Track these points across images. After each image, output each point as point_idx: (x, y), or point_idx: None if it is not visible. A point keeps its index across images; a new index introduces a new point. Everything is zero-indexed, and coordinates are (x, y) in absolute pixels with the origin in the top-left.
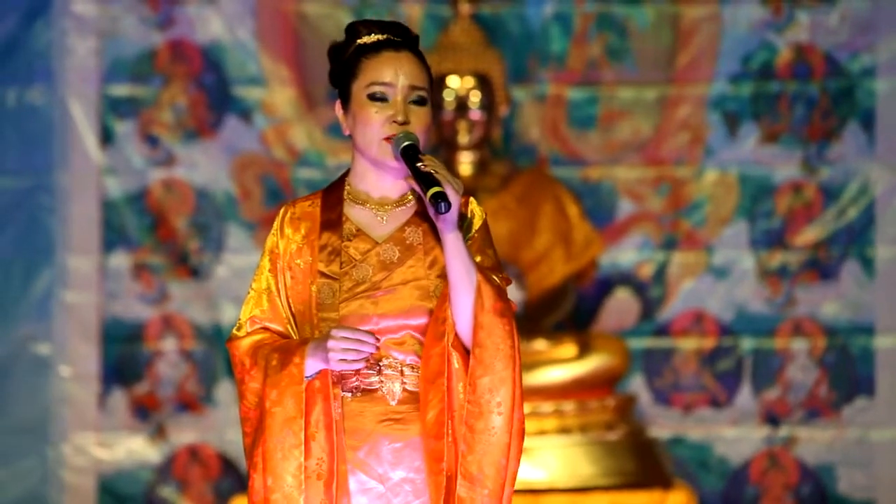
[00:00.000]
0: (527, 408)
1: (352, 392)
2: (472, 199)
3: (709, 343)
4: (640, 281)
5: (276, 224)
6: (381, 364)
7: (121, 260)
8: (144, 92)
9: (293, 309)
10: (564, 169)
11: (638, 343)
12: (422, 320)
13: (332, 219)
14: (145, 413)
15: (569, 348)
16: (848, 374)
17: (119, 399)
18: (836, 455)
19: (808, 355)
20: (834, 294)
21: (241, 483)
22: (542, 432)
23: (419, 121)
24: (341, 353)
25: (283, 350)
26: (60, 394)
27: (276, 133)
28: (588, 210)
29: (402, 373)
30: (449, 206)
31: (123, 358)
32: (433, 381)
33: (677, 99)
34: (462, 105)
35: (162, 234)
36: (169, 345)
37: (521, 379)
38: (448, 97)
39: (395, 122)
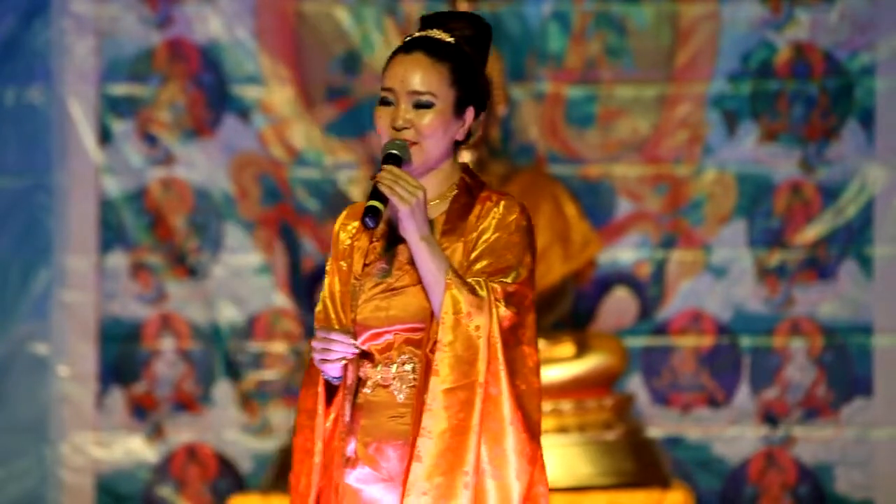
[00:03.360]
0: None
1: (372, 388)
2: (507, 199)
3: (707, 342)
4: (638, 280)
5: (335, 224)
6: (398, 361)
7: (119, 259)
8: (143, 91)
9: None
10: (563, 168)
11: (636, 342)
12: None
13: None
14: (143, 412)
15: (567, 347)
16: (846, 374)
17: (117, 398)
18: (835, 455)
19: (807, 355)
20: (832, 293)
21: (238, 482)
22: None
23: (422, 125)
24: (320, 353)
25: None
26: (58, 393)
27: (275, 132)
28: (586, 209)
29: (414, 370)
30: (376, 221)
31: (121, 357)
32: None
33: (676, 98)
34: None
35: (160, 234)
36: (167, 344)
37: (507, 385)
38: None
39: (393, 127)
